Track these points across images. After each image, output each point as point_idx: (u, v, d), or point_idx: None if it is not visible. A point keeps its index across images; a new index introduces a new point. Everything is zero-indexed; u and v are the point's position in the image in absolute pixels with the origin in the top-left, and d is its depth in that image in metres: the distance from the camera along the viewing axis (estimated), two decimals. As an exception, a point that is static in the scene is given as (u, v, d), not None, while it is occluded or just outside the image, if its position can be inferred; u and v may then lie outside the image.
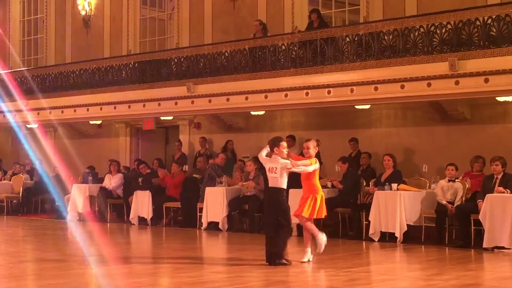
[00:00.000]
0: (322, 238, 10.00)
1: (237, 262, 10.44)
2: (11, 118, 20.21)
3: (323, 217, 10.24)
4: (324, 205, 10.09)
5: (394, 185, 12.74)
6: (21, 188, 19.74)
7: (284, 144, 9.90)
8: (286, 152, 9.88)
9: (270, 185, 9.88)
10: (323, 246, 9.97)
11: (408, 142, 15.32)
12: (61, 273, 9.23)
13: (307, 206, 9.88)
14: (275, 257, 9.61)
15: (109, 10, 21.31)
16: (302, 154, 10.36)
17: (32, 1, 24.06)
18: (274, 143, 9.86)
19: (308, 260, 9.88)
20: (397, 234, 12.45)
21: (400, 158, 14.59)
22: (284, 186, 9.81)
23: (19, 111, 20.14)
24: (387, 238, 12.71)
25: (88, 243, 12.09)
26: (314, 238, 10.04)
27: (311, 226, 10.09)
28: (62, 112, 19.74)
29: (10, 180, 20.41)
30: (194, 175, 16.33)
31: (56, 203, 18.42)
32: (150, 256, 11.80)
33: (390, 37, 13.98)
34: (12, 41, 23.89)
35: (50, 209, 19.64)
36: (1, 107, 20.27)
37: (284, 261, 9.62)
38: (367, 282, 8.74)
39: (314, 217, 10.03)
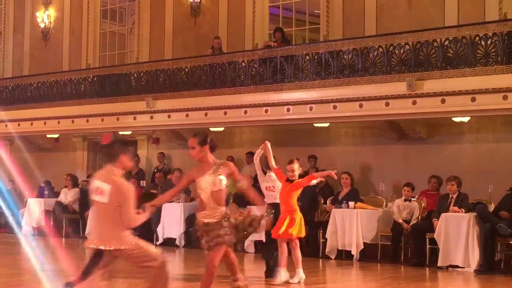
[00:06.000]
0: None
1: (193, 278, 10.38)
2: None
3: (303, 236, 10.14)
4: (303, 225, 10.01)
5: (351, 203, 12.81)
6: (-26, 202, 19.42)
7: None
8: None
9: (269, 201, 10.04)
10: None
11: (366, 161, 15.44)
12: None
13: (295, 226, 9.79)
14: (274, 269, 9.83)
15: (69, 23, 21.15)
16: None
17: (-10, 12, 23.79)
18: (267, 166, 9.97)
19: (299, 282, 9.74)
20: (354, 252, 12.50)
21: (358, 176, 14.68)
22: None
23: (-26, 123, 19.87)
24: (344, 256, 12.76)
25: (42, 258, 11.92)
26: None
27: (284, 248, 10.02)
28: (19, 125, 19.49)
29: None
30: (152, 191, 16.22)
31: (12, 217, 18.13)
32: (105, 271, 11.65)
33: (350, 56, 14.11)
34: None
35: (4, 223, 19.33)
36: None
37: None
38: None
39: (294, 236, 9.83)
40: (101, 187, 6.30)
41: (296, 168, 9.82)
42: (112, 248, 6.30)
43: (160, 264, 6.40)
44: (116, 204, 6.24)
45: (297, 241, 9.89)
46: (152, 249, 6.48)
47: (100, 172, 6.50)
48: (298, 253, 9.84)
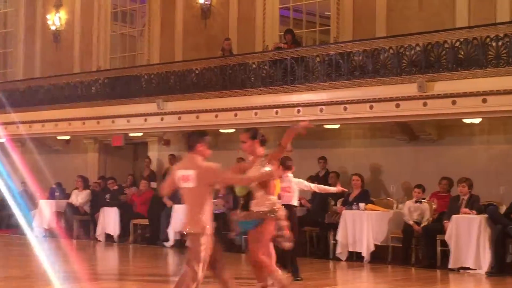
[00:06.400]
0: None
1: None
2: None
3: None
4: None
5: (362, 205, 12.80)
6: (-14, 203, 19.50)
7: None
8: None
9: (284, 202, 9.90)
10: None
11: (376, 162, 15.40)
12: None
13: None
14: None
15: (80, 25, 21.22)
16: None
17: (1, 15, 23.89)
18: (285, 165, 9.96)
19: None
20: (364, 254, 12.49)
21: (368, 178, 14.66)
22: (296, 203, 10.22)
23: (-14, 125, 19.94)
24: (355, 257, 12.74)
25: (54, 260, 11.96)
26: None
27: None
28: (30, 126, 19.57)
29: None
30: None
31: (23, 219, 18.19)
32: (116, 273, 11.70)
33: (360, 57, 14.09)
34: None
35: (16, 224, 19.39)
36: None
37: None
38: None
39: None
40: (186, 174, 6.70)
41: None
42: (187, 231, 6.67)
43: (200, 277, 6.68)
44: (207, 185, 6.67)
45: None
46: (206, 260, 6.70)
47: (181, 162, 7.06)
48: None
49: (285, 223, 7.76)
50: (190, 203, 6.72)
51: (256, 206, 7.57)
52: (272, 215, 7.53)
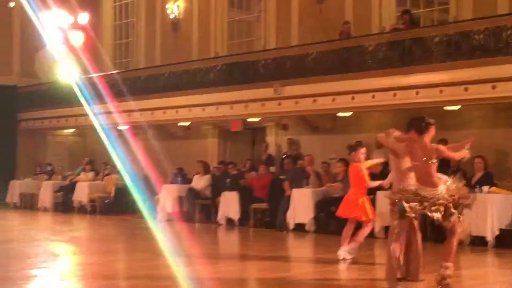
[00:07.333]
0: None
1: (324, 263, 10.42)
2: (102, 120, 20.68)
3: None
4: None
5: (485, 188, 12.47)
6: (113, 188, 20.26)
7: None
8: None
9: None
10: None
11: (500, 144, 14.93)
12: (151, 273, 9.42)
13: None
14: None
15: (197, 12, 21.61)
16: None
17: (123, 6, 24.66)
18: None
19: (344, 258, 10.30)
20: (489, 238, 12.16)
21: (492, 160, 14.24)
22: None
23: (110, 113, 20.60)
24: (478, 242, 12.42)
25: (177, 243, 12.29)
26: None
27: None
28: (152, 114, 20.14)
29: (102, 180, 21.00)
30: (281, 177, 16.37)
31: (146, 203, 18.76)
32: (237, 256, 11.90)
33: (481, 36, 13.67)
34: (104, 45, 24.49)
35: (140, 209, 20.00)
36: (93, 109, 20.77)
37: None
38: (458, 287, 8.57)
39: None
40: None
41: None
42: None
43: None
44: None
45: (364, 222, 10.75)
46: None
47: None
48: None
49: None
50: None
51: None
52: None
